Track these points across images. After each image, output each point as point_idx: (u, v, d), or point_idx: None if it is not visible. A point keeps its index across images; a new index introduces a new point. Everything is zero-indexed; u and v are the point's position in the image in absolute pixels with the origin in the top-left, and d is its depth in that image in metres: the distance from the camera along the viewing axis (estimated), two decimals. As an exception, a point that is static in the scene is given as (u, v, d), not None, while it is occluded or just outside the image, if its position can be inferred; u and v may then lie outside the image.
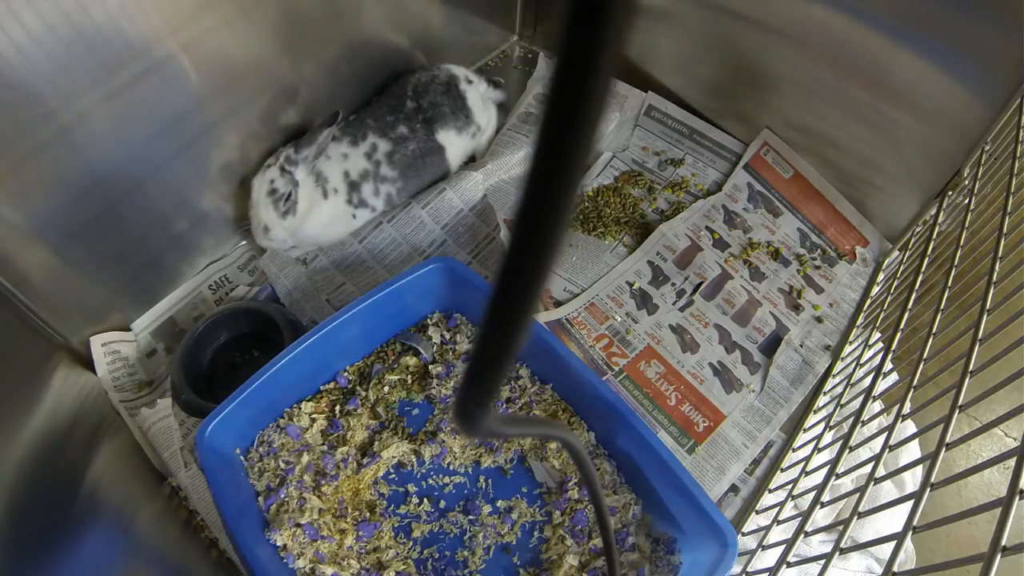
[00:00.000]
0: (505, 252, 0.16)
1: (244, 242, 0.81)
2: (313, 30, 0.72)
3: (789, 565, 0.53)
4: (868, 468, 0.53)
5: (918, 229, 0.80)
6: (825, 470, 0.59)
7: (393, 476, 0.62)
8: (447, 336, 0.69)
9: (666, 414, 0.72)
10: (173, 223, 0.72)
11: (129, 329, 0.73)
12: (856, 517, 0.49)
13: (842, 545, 0.48)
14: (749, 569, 0.58)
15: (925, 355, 0.58)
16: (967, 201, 0.67)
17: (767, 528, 0.60)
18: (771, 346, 0.78)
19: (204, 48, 0.62)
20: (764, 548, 0.58)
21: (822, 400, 0.74)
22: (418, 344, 0.67)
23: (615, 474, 0.62)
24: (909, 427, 0.64)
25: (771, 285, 0.83)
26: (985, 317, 0.51)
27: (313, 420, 0.62)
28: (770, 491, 0.68)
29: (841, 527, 0.49)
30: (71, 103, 0.55)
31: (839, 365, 0.76)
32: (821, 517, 0.60)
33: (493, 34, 1.03)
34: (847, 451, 0.59)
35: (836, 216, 0.88)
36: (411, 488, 0.62)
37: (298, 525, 0.54)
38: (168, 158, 0.66)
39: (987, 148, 0.69)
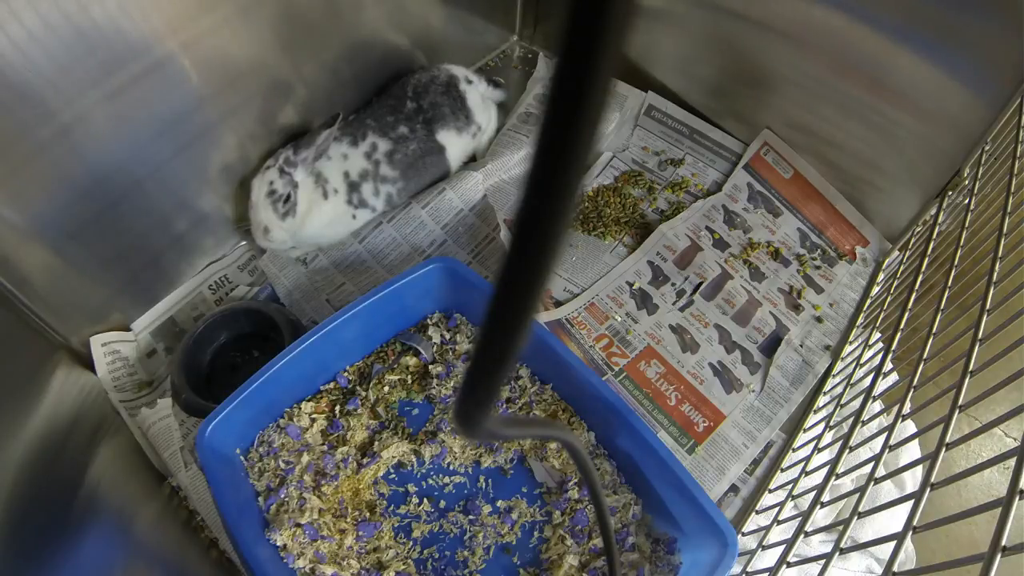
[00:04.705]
0: (505, 253, 0.16)
1: (244, 242, 0.81)
2: (313, 30, 0.72)
3: (789, 565, 0.53)
4: (868, 468, 0.53)
5: (918, 229, 0.80)
6: (825, 470, 0.59)
7: (393, 476, 0.62)
8: (447, 336, 0.69)
9: (666, 414, 0.72)
10: (173, 223, 0.72)
11: (129, 329, 0.73)
12: (856, 517, 0.49)
13: (842, 545, 0.48)
14: (749, 569, 0.58)
15: (925, 355, 0.58)
16: (967, 201, 0.67)
17: (767, 528, 0.60)
18: (771, 346, 0.78)
19: (204, 48, 0.62)
20: (764, 548, 0.58)
21: (822, 400, 0.74)
22: (418, 344, 0.67)
23: (615, 474, 0.62)
24: (909, 427, 0.64)
25: (771, 285, 0.83)
26: (985, 317, 0.51)
27: (313, 420, 0.62)
28: (770, 491, 0.68)
29: (841, 527, 0.49)
30: (71, 103, 0.55)
31: (839, 365, 0.76)
32: (821, 517, 0.60)
33: (493, 34, 1.03)
34: (847, 451, 0.59)
35: (836, 216, 0.88)
36: (411, 488, 0.62)
37: (298, 525, 0.54)
38: (168, 158, 0.66)
39: (987, 148, 0.69)
